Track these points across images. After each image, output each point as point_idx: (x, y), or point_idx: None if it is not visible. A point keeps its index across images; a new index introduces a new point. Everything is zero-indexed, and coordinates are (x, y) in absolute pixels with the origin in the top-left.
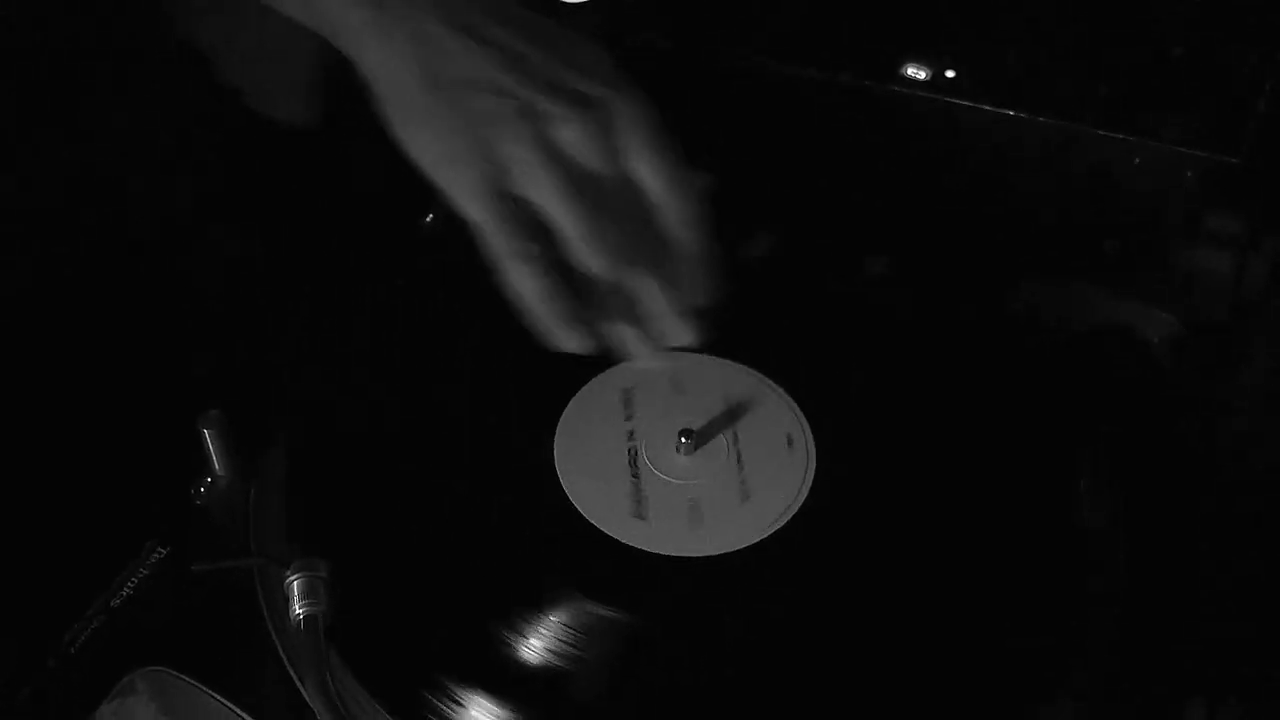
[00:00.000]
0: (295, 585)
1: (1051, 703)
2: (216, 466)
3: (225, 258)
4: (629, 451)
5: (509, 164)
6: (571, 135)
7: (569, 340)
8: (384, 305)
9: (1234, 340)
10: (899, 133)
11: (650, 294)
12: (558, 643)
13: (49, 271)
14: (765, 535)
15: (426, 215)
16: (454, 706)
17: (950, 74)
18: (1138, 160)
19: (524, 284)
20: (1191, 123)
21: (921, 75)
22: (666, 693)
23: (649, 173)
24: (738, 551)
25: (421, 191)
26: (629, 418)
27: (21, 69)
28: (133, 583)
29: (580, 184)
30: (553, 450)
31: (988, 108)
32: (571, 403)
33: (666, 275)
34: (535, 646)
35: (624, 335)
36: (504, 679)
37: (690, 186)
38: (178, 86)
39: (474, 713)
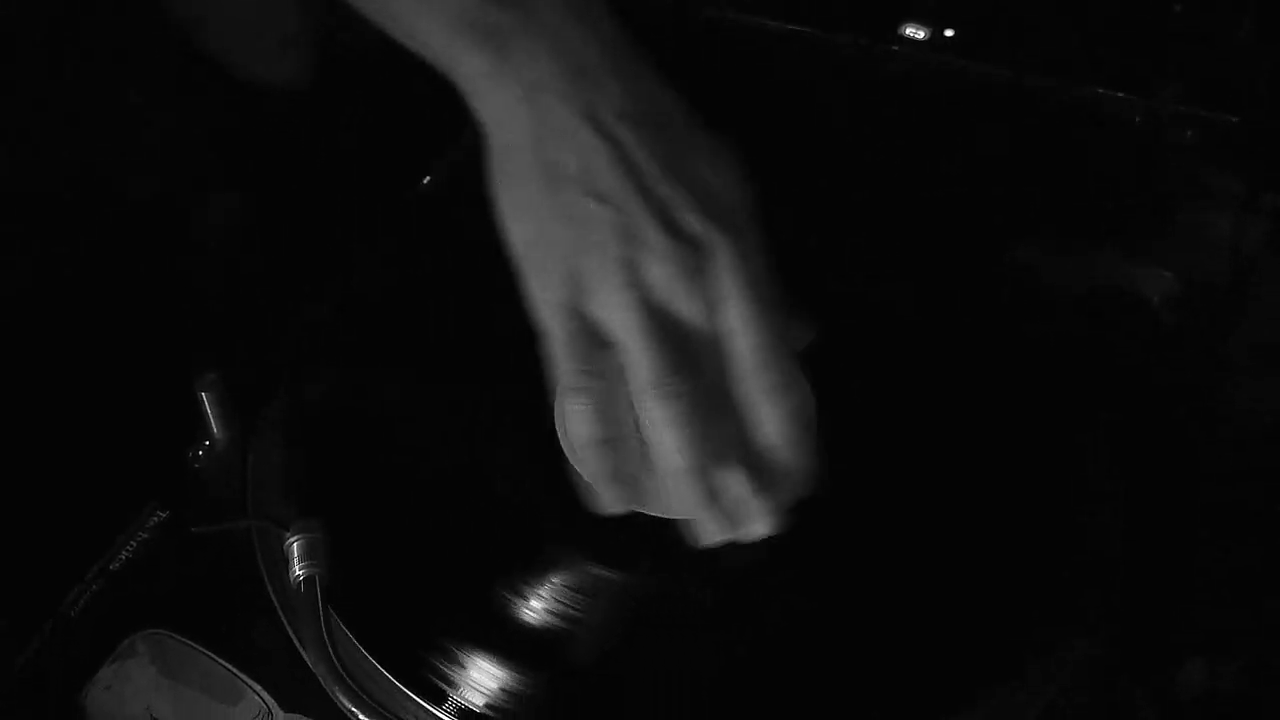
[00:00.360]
0: (294, 547)
1: (1052, 667)
2: (214, 429)
3: (221, 223)
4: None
5: (592, 282)
6: (662, 272)
7: (608, 500)
8: (382, 267)
9: (1233, 298)
10: (897, 92)
11: (727, 478)
12: (558, 604)
13: (49, 242)
14: None
15: (424, 177)
16: (453, 668)
17: (949, 33)
18: (1137, 119)
19: (574, 424)
20: (1190, 81)
21: (920, 35)
22: (667, 655)
23: (738, 329)
24: None
25: (419, 153)
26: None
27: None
28: (132, 546)
29: (660, 323)
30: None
31: (987, 67)
32: None
33: (742, 451)
34: (535, 608)
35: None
36: (504, 640)
37: (783, 352)
38: (163, 56)
39: (474, 674)
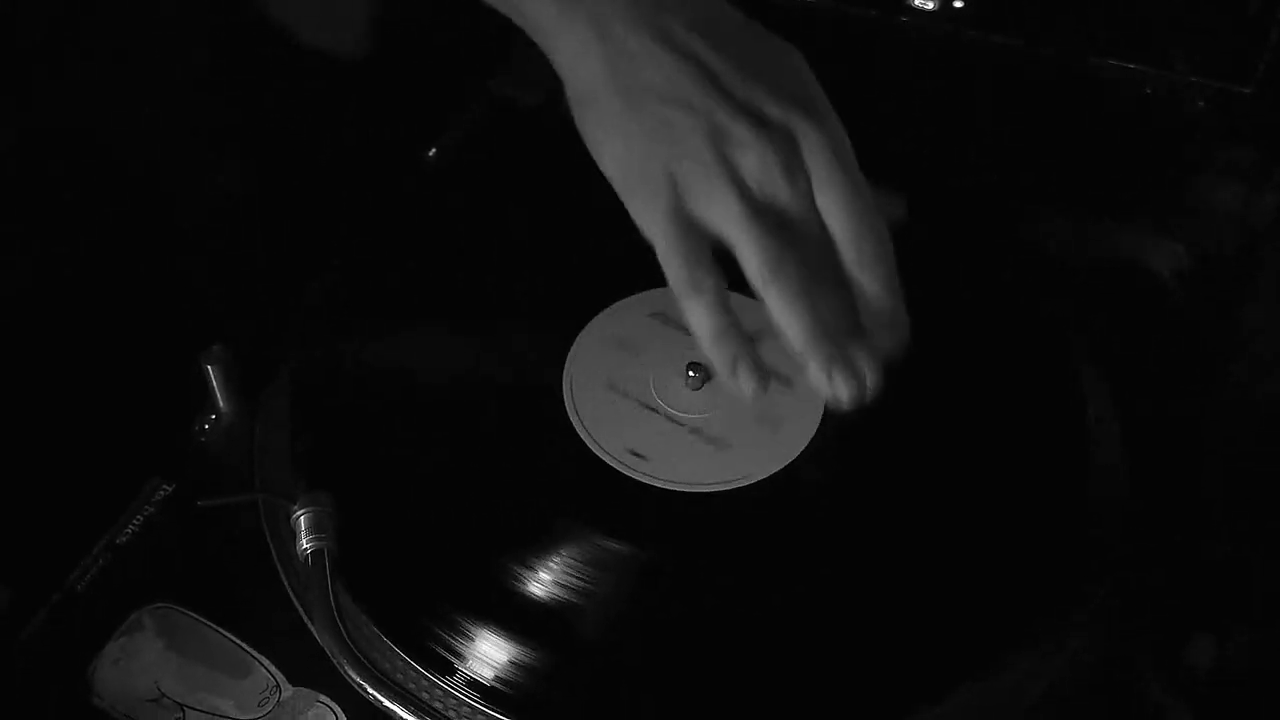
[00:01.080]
0: (301, 520)
1: (1057, 644)
2: (220, 402)
3: (227, 193)
4: (638, 384)
5: (691, 184)
6: (756, 161)
7: (738, 383)
8: (388, 238)
9: (1244, 271)
10: (906, 63)
11: (841, 342)
12: (566, 576)
13: (53, 216)
14: (774, 470)
15: (430, 150)
16: (462, 641)
17: (958, 4)
18: (1148, 90)
19: (697, 320)
20: (1202, 52)
21: (929, 6)
22: (673, 628)
23: (833, 208)
24: (746, 486)
25: (425, 125)
26: (638, 351)
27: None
28: (138, 520)
29: (762, 212)
30: (562, 383)
31: (996, 38)
32: (581, 336)
33: (849, 319)
34: (543, 580)
35: (814, 377)
36: (512, 614)
37: (877, 226)
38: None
39: (482, 647)
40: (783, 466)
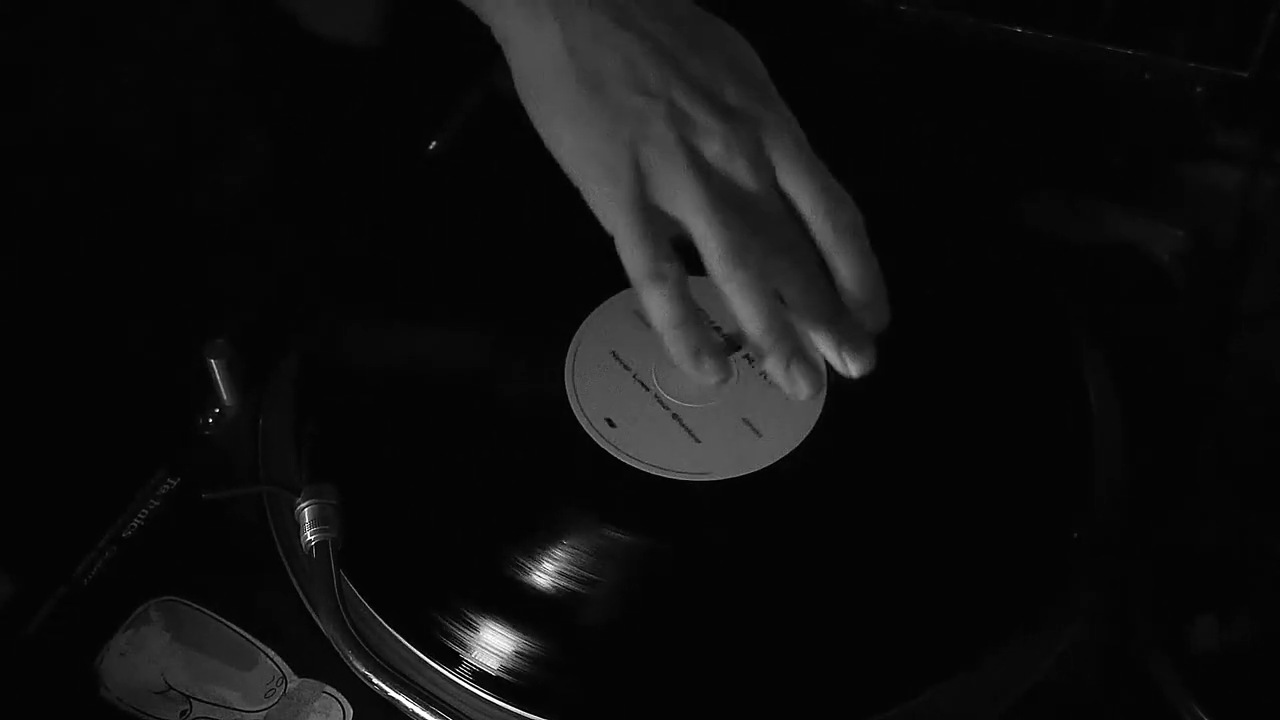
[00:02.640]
0: (305, 512)
1: (1060, 626)
2: (224, 396)
3: (230, 187)
4: (640, 374)
5: (653, 171)
6: (720, 148)
7: (702, 373)
8: (391, 228)
9: (1243, 255)
10: (905, 49)
11: (805, 318)
12: (571, 567)
13: (60, 205)
14: (778, 458)
15: (430, 142)
16: (467, 631)
17: None
18: (1147, 75)
19: (659, 309)
20: (1201, 37)
21: None
22: (678, 616)
23: (803, 189)
24: (750, 475)
25: (426, 116)
26: (641, 340)
27: None
28: (143, 513)
29: (726, 200)
30: (564, 372)
31: (996, 24)
32: (584, 324)
33: (822, 301)
34: (549, 571)
35: (773, 369)
36: (517, 604)
37: (847, 202)
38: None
39: (486, 637)
40: (742, 474)
